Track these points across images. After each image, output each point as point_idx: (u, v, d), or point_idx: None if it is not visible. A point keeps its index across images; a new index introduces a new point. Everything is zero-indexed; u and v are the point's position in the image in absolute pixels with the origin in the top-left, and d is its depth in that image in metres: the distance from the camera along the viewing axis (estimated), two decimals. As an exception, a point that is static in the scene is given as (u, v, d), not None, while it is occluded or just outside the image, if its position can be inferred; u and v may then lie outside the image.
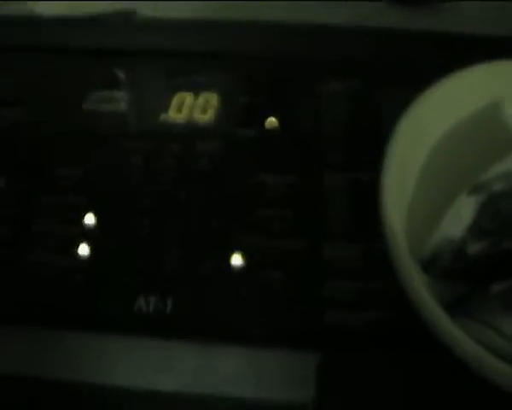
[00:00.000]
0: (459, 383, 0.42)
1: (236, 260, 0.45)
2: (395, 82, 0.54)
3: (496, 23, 0.62)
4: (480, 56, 0.53)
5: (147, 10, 0.62)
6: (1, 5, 0.61)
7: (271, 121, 0.51)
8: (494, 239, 0.42)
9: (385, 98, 0.53)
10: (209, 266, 0.45)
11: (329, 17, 0.62)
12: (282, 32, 0.57)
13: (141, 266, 0.45)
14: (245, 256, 0.45)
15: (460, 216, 0.44)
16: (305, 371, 0.43)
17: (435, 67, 0.52)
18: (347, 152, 0.50)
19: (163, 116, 0.51)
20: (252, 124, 0.51)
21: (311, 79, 0.53)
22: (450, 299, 0.43)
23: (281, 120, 0.51)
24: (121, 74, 0.54)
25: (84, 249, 0.46)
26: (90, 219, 0.47)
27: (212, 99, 0.51)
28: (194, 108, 0.51)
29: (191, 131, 0.50)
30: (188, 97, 0.51)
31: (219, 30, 0.57)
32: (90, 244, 0.46)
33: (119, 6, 0.62)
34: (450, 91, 0.50)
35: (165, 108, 0.51)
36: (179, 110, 0.51)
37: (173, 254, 0.46)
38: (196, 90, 0.52)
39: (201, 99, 0.51)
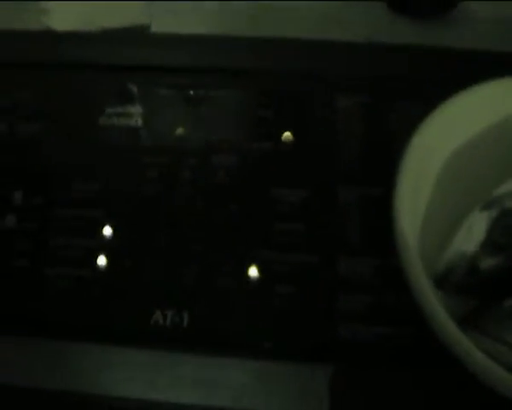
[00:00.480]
0: (471, 398, 0.42)
1: (251, 273, 0.46)
2: (408, 97, 0.54)
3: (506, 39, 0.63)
4: (491, 72, 0.53)
5: (161, 26, 0.63)
6: (18, 20, 0.62)
7: (287, 136, 0.51)
8: (507, 254, 0.43)
9: (398, 113, 0.53)
10: (225, 280, 0.46)
11: (340, 32, 0.63)
12: (296, 48, 0.57)
13: (158, 280, 0.46)
14: (260, 270, 0.46)
15: (473, 231, 0.44)
16: (318, 384, 0.43)
17: (447, 83, 0.53)
18: (361, 167, 0.50)
19: (178, 131, 0.52)
20: (267, 138, 0.51)
21: (326, 94, 0.53)
22: (463, 313, 0.43)
23: (296, 135, 0.51)
24: (136, 89, 0.54)
25: (101, 262, 0.47)
26: (107, 231, 0.48)
27: (228, 114, 0.52)
28: (209, 122, 0.51)
29: (207, 145, 0.51)
30: (203, 112, 0.52)
31: (233, 46, 0.58)
32: (107, 257, 0.47)
33: (133, 21, 0.64)
34: (462, 107, 0.50)
35: (181, 123, 0.52)
36: (194, 125, 0.51)
37: (189, 268, 0.46)
38: (211, 105, 0.52)
39: (217, 114, 0.51)
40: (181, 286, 0.45)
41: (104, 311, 0.45)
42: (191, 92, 0.53)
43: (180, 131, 0.51)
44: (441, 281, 0.44)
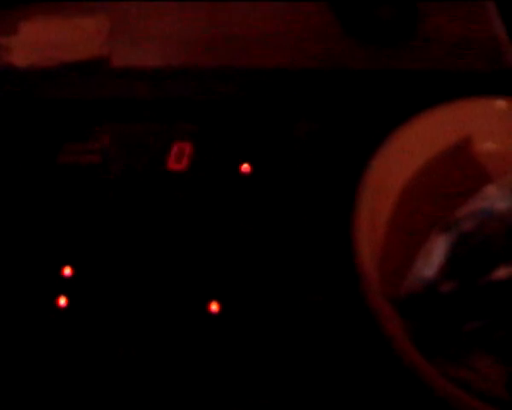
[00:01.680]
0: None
1: (212, 309, 0.45)
2: (365, 121, 0.54)
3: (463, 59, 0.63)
4: (449, 93, 0.54)
5: (120, 59, 0.63)
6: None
7: (245, 167, 0.51)
8: (466, 278, 0.43)
9: (355, 138, 0.53)
10: (189, 314, 0.45)
11: (298, 58, 0.63)
12: (251, 77, 0.57)
13: (118, 318, 0.45)
14: (222, 305, 0.46)
15: (432, 255, 0.44)
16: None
17: (406, 106, 0.53)
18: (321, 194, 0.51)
19: (139, 165, 0.52)
20: (226, 171, 0.51)
21: (283, 122, 0.53)
22: (426, 338, 0.43)
23: (254, 166, 0.51)
24: (97, 125, 0.54)
25: (62, 301, 0.46)
26: (68, 272, 0.47)
27: (185, 148, 0.52)
28: (168, 157, 0.51)
29: (166, 180, 0.51)
30: (162, 147, 0.52)
31: (192, 77, 0.58)
32: (68, 296, 0.46)
33: (93, 54, 0.64)
34: (421, 129, 0.51)
35: (142, 157, 0.52)
36: (154, 159, 0.51)
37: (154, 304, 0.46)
38: (170, 139, 0.52)
39: (175, 148, 0.51)
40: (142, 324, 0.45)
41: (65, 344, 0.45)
42: (150, 126, 0.53)
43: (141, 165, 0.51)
44: (403, 307, 0.44)
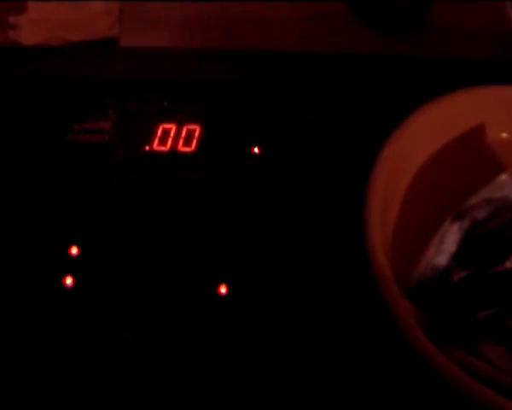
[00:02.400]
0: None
1: (221, 290, 0.45)
2: (377, 108, 0.54)
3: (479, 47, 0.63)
4: (463, 81, 0.53)
5: (130, 39, 0.63)
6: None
7: (255, 150, 0.51)
8: (479, 266, 0.43)
9: (367, 123, 0.53)
10: (194, 298, 0.45)
11: (310, 44, 0.63)
12: (261, 61, 0.57)
13: (125, 300, 0.45)
14: (230, 288, 0.45)
15: (444, 243, 0.44)
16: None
17: (418, 92, 0.53)
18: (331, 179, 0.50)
19: (147, 147, 0.51)
20: (235, 153, 0.51)
21: (293, 108, 0.53)
22: (437, 326, 0.43)
23: (263, 149, 0.51)
24: (105, 105, 0.54)
25: (68, 281, 0.46)
26: (75, 251, 0.47)
27: (195, 130, 0.51)
28: (177, 139, 0.51)
29: (175, 161, 0.50)
30: (171, 128, 0.51)
31: (202, 59, 0.58)
32: (74, 275, 0.46)
33: (102, 34, 0.63)
34: (434, 117, 0.50)
35: (149, 139, 0.51)
36: (163, 141, 0.51)
37: (161, 286, 0.45)
38: (180, 121, 0.52)
39: (185, 130, 0.51)
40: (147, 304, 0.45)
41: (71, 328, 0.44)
42: (159, 107, 0.53)
43: (148, 147, 0.51)
44: (414, 294, 0.43)
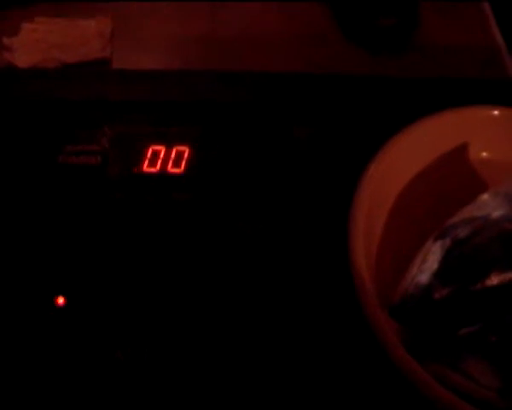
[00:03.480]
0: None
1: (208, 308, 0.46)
2: (365, 127, 0.55)
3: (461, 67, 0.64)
4: (446, 101, 0.54)
5: (121, 61, 0.64)
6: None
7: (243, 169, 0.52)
8: (460, 284, 0.43)
9: (353, 143, 0.54)
10: (183, 316, 0.46)
11: (299, 63, 0.64)
12: (250, 81, 0.58)
13: (116, 318, 0.46)
14: (217, 306, 0.46)
15: (426, 262, 0.45)
16: None
17: (405, 112, 0.54)
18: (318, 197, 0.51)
19: (136, 169, 0.52)
20: (224, 173, 0.52)
21: (281, 127, 0.54)
22: (419, 343, 0.43)
23: (251, 168, 0.52)
24: (96, 126, 0.55)
25: (60, 301, 0.47)
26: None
27: (184, 151, 0.52)
28: (167, 160, 0.52)
29: (164, 182, 0.51)
30: (161, 150, 0.52)
31: (193, 80, 0.59)
32: (67, 297, 0.47)
33: (94, 56, 0.64)
34: (418, 137, 0.51)
35: (139, 161, 0.52)
36: (153, 163, 0.52)
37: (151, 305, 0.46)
38: (169, 142, 0.53)
39: (174, 152, 0.52)
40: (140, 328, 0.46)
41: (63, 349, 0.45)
42: (153, 126, 0.54)
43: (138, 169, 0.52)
44: (396, 312, 0.44)
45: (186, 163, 0.52)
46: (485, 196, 0.47)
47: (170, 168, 0.52)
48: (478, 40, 0.68)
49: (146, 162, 0.52)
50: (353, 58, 0.65)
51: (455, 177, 0.51)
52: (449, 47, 0.67)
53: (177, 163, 0.52)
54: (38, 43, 0.64)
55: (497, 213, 0.45)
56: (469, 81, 0.61)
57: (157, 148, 0.52)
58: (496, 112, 0.51)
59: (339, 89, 0.58)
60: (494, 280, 0.43)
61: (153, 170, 0.52)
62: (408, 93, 0.58)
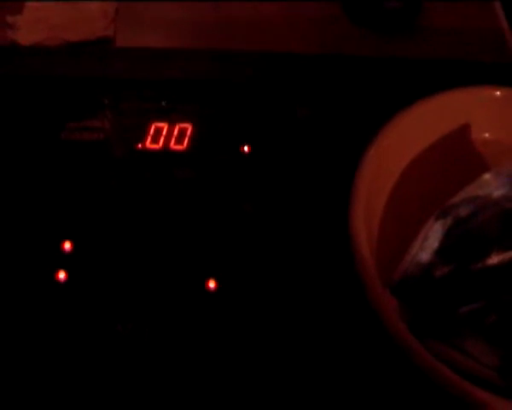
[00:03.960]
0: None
1: (211, 285, 0.46)
2: (368, 108, 0.55)
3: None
4: (450, 82, 0.54)
5: (125, 40, 0.64)
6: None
7: (245, 148, 0.52)
8: (461, 262, 0.44)
9: (356, 123, 0.54)
10: (185, 292, 0.46)
11: (304, 44, 0.64)
12: (254, 61, 0.58)
13: (117, 293, 0.46)
14: (220, 283, 0.46)
15: (428, 240, 0.45)
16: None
17: (408, 93, 0.54)
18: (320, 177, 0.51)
19: (140, 145, 0.52)
20: (226, 151, 0.52)
21: (284, 106, 0.54)
22: (420, 321, 0.44)
23: (253, 147, 0.52)
24: (99, 104, 0.55)
25: (61, 275, 0.47)
26: (67, 245, 0.48)
27: (187, 129, 0.52)
28: (169, 137, 0.52)
29: (167, 159, 0.51)
30: (164, 127, 0.52)
31: (196, 58, 0.59)
32: (67, 270, 0.47)
33: (97, 34, 0.64)
34: (419, 117, 0.51)
35: (142, 138, 0.52)
36: (156, 139, 0.52)
37: (151, 279, 0.47)
38: (172, 119, 0.53)
39: (177, 129, 0.52)
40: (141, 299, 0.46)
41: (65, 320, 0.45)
42: (152, 106, 0.54)
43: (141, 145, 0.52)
44: (397, 289, 0.44)
45: (189, 140, 0.52)
46: (487, 176, 0.47)
47: (173, 145, 0.51)
48: (482, 23, 0.68)
49: (149, 139, 0.52)
50: (359, 40, 0.65)
51: (457, 157, 0.51)
52: (453, 29, 0.67)
53: (179, 140, 0.52)
54: (42, 21, 0.64)
55: (498, 193, 0.45)
56: (473, 63, 0.61)
57: (160, 125, 0.52)
58: (498, 92, 0.51)
59: (342, 70, 0.58)
60: (494, 259, 0.43)
61: (155, 147, 0.52)
62: (412, 74, 0.59)
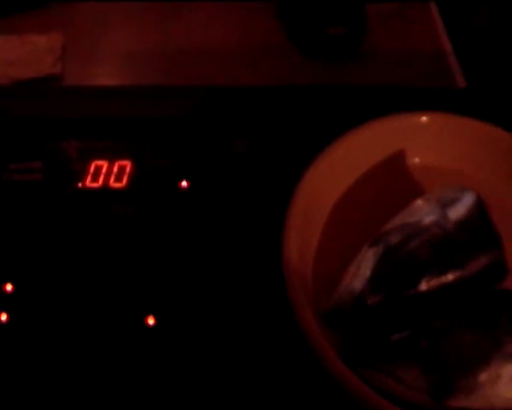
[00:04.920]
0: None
1: (149, 322, 0.47)
2: (307, 137, 0.56)
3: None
4: (389, 108, 0.55)
5: (73, 76, 0.65)
6: None
7: (183, 184, 0.53)
8: (392, 290, 0.44)
9: (296, 152, 0.54)
10: (124, 329, 0.47)
11: (247, 75, 0.65)
12: (196, 95, 0.59)
13: (59, 331, 0.47)
14: (157, 319, 0.47)
15: (360, 269, 0.45)
16: None
17: (346, 121, 0.55)
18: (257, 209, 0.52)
19: (80, 184, 0.53)
20: (164, 187, 0.52)
21: (222, 139, 0.55)
22: (353, 350, 0.44)
23: (192, 182, 0.53)
24: (39, 143, 0.55)
25: (3, 317, 0.47)
26: (9, 288, 0.48)
27: (126, 166, 0.53)
28: (109, 175, 0.52)
29: (107, 197, 0.52)
30: (103, 165, 0.53)
31: (142, 96, 0.59)
32: (8, 311, 0.47)
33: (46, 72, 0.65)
34: (351, 146, 0.52)
35: (82, 177, 0.53)
36: (95, 178, 0.52)
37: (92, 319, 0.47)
38: (111, 157, 0.54)
39: (116, 166, 0.53)
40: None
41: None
42: (92, 145, 0.54)
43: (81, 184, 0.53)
44: (330, 318, 0.45)
45: (128, 177, 0.52)
46: (418, 202, 0.48)
47: (112, 183, 0.52)
48: (426, 47, 0.70)
49: (89, 178, 0.52)
50: (302, 68, 0.66)
51: (390, 184, 0.52)
52: (396, 54, 0.68)
53: (119, 178, 0.52)
54: (-9, 59, 0.65)
55: (428, 219, 0.46)
56: (414, 89, 0.62)
57: (99, 163, 0.53)
58: (424, 117, 0.52)
59: (283, 99, 0.59)
60: (424, 286, 0.44)
61: (95, 185, 0.52)
62: (353, 101, 0.59)
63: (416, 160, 0.53)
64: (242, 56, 0.68)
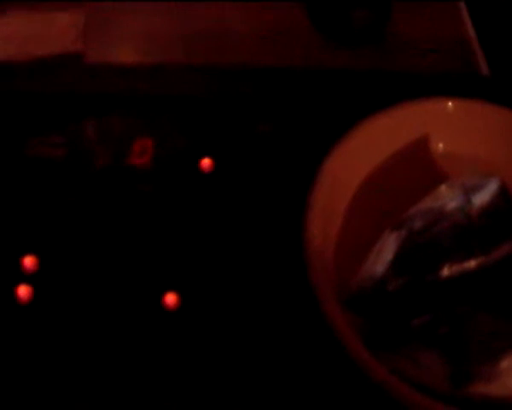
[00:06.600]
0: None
1: (168, 299, 0.47)
2: (331, 120, 0.55)
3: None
4: (414, 94, 0.55)
5: (94, 54, 0.64)
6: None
7: (205, 162, 0.52)
8: (413, 275, 0.44)
9: (320, 136, 0.54)
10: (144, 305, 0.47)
11: (270, 58, 0.64)
12: (217, 75, 0.58)
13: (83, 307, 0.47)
14: (179, 296, 0.47)
15: (382, 253, 0.45)
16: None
17: (373, 105, 0.54)
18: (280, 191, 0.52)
19: (101, 161, 0.53)
20: (187, 166, 0.52)
21: (245, 121, 0.55)
22: (375, 334, 0.44)
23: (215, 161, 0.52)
24: (64, 119, 0.55)
25: (23, 291, 0.47)
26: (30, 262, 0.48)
27: (148, 144, 0.53)
28: (131, 153, 0.52)
29: (129, 175, 0.52)
30: (125, 143, 0.53)
31: (165, 74, 0.59)
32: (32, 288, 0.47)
33: (68, 49, 0.65)
34: (376, 130, 0.52)
35: (105, 153, 0.53)
36: (117, 156, 0.52)
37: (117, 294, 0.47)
38: (134, 135, 0.53)
39: (139, 144, 0.53)
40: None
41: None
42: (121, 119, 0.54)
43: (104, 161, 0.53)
44: (352, 302, 0.45)
45: (151, 155, 0.52)
46: (442, 188, 0.47)
47: (134, 160, 0.52)
48: (451, 35, 0.69)
49: (110, 155, 0.52)
50: (325, 53, 0.66)
51: (414, 169, 0.51)
52: (421, 41, 0.67)
53: (141, 155, 0.52)
54: (10, 36, 0.65)
55: (451, 205, 0.46)
56: (437, 75, 0.62)
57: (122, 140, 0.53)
58: (450, 104, 0.52)
59: (308, 83, 0.59)
60: (446, 272, 0.43)
61: (117, 163, 0.52)
62: (377, 86, 0.59)
63: (440, 146, 0.53)
64: (263, 40, 0.67)
